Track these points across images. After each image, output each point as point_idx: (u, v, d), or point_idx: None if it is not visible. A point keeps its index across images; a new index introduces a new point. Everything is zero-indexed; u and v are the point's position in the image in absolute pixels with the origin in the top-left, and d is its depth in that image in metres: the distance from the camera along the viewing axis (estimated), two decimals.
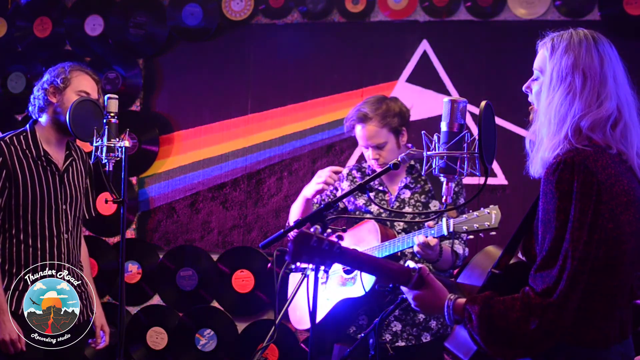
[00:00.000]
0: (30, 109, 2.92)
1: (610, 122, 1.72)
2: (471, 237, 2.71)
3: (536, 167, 1.78)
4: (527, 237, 1.83)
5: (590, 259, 1.64)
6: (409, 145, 3.04)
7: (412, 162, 3.02)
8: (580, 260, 1.63)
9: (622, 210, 1.68)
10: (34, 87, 2.94)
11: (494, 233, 2.57)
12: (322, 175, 2.88)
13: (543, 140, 1.76)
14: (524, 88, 1.88)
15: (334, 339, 3.08)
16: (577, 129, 1.71)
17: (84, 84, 2.90)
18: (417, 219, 2.92)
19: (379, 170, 2.98)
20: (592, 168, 1.65)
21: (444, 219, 2.64)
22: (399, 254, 2.81)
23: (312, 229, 1.72)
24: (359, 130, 2.96)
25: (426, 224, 2.73)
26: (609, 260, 1.68)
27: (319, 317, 2.96)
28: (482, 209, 2.59)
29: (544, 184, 1.69)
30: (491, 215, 2.56)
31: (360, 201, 3.03)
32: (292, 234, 2.25)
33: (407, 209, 2.93)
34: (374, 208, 2.99)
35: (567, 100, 1.73)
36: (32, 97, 2.92)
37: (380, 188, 3.02)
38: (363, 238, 2.92)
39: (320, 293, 2.95)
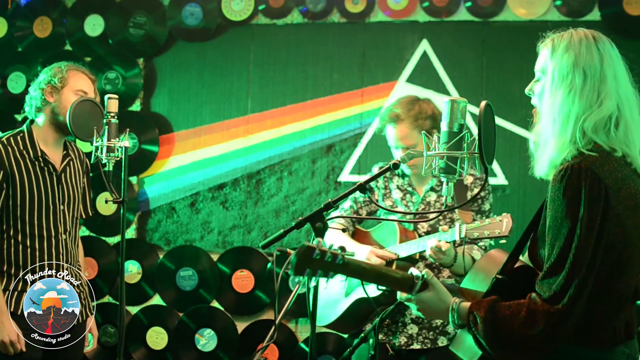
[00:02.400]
0: (26, 109, 2.90)
1: (612, 122, 1.72)
2: (482, 244, 2.71)
3: (542, 167, 1.78)
4: (532, 243, 1.83)
5: (597, 264, 1.65)
6: None
7: None
8: (588, 266, 1.63)
9: (629, 214, 1.68)
10: (30, 87, 2.93)
11: (504, 241, 2.57)
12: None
13: (548, 140, 1.75)
14: (526, 90, 1.87)
15: (353, 336, 3.10)
16: (582, 131, 1.71)
17: (81, 83, 2.89)
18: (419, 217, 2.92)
19: (408, 172, 2.98)
20: (600, 173, 1.65)
21: (457, 224, 2.64)
22: (417, 256, 2.81)
23: (314, 242, 1.71)
24: (389, 131, 2.94)
25: (440, 228, 2.73)
26: (615, 264, 1.68)
27: (337, 314, 2.97)
28: (495, 216, 2.59)
29: (552, 191, 1.69)
30: (502, 223, 2.55)
31: (388, 202, 3.02)
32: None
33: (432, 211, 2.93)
34: (400, 209, 2.98)
35: (569, 98, 1.73)
36: (28, 97, 2.90)
37: (409, 189, 3.00)
38: (383, 238, 2.92)
39: (339, 288, 2.96)
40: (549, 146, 1.75)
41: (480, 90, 3.94)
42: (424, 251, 2.73)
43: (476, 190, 2.92)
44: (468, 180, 2.93)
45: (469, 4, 3.99)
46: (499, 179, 3.91)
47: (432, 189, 2.97)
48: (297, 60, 4.20)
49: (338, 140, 4.11)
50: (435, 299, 1.83)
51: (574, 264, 1.63)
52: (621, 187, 1.67)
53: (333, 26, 4.18)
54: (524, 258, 1.90)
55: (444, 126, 1.79)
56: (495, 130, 1.82)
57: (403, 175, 3.03)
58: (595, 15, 3.85)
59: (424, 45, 4.05)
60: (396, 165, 2.04)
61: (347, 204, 3.12)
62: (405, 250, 2.80)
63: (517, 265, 1.85)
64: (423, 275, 1.82)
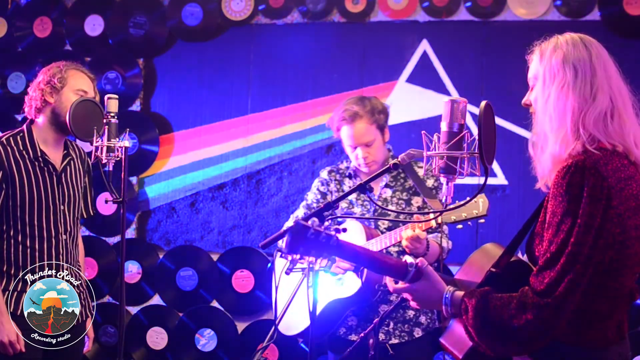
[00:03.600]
0: (26, 110, 2.89)
1: (608, 115, 1.73)
2: (459, 226, 2.70)
3: (545, 164, 1.78)
4: (530, 238, 1.83)
5: (593, 262, 1.65)
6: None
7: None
8: (584, 264, 1.64)
9: (630, 215, 1.68)
10: (29, 87, 2.92)
11: (482, 221, 2.58)
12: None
13: (548, 136, 1.76)
14: (523, 103, 1.89)
15: (325, 342, 3.07)
16: (583, 126, 1.72)
17: (81, 82, 2.88)
18: (402, 218, 2.94)
19: (366, 170, 2.99)
20: (603, 172, 1.65)
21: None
22: (384, 252, 2.82)
23: (309, 221, 1.69)
24: (347, 130, 2.95)
25: (414, 217, 2.75)
26: (612, 264, 1.69)
27: (309, 320, 2.94)
28: (467, 198, 2.59)
29: (554, 187, 1.69)
30: (478, 203, 2.56)
31: (343, 204, 3.03)
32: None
33: (390, 208, 2.94)
34: (356, 210, 3.00)
35: (562, 93, 1.75)
36: (27, 97, 2.89)
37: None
38: (350, 238, 2.93)
39: (306, 297, 2.94)
40: (549, 142, 1.75)
41: (480, 90, 3.94)
42: (394, 245, 2.75)
43: (429, 182, 2.93)
44: (419, 171, 2.95)
45: (469, 4, 3.99)
46: (499, 179, 3.91)
47: (386, 186, 3.00)
48: (297, 60, 4.20)
49: (338, 140, 4.09)
50: (429, 287, 1.83)
51: (569, 260, 1.63)
52: (624, 187, 1.67)
53: (333, 26, 4.18)
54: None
55: (444, 126, 1.79)
56: (495, 130, 1.82)
57: (355, 176, 3.07)
58: (595, 15, 3.85)
59: (424, 45, 4.05)
60: (396, 166, 2.05)
61: (300, 211, 3.15)
62: (379, 245, 2.81)
63: (512, 259, 1.85)
64: (417, 263, 1.82)
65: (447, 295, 1.80)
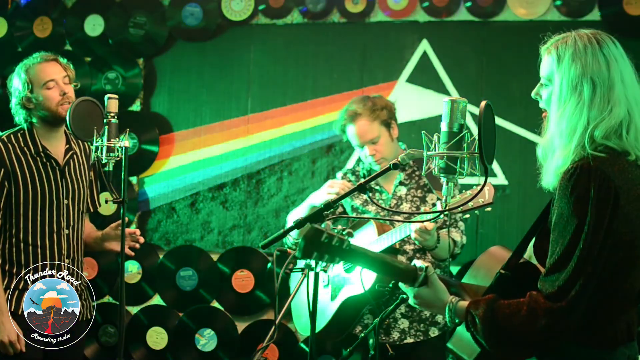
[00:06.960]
0: (17, 120, 2.89)
1: (624, 127, 1.71)
2: (467, 216, 2.71)
3: (549, 177, 1.77)
4: (538, 240, 1.83)
5: (602, 263, 1.64)
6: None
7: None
8: (594, 265, 1.63)
9: (638, 215, 1.68)
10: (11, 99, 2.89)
11: (489, 209, 2.58)
12: (335, 185, 2.90)
13: (555, 151, 1.75)
14: (533, 94, 1.87)
15: (343, 341, 3.07)
16: (590, 137, 1.70)
17: (43, 74, 2.84)
18: (413, 216, 2.94)
19: (376, 168, 3.01)
20: (609, 173, 1.65)
21: (438, 203, 2.69)
22: (397, 246, 2.83)
23: (323, 225, 1.70)
24: (351, 130, 3.02)
25: (422, 209, 2.78)
26: (621, 264, 1.68)
27: (326, 319, 2.94)
28: (474, 187, 2.59)
29: (560, 189, 1.68)
30: (484, 191, 2.56)
31: (357, 202, 3.04)
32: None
33: (405, 205, 2.96)
34: (371, 208, 3.00)
35: (577, 110, 1.72)
36: (13, 111, 2.88)
37: (377, 187, 3.04)
38: (363, 233, 2.93)
39: (323, 296, 2.95)
40: (555, 156, 1.74)
41: (480, 90, 3.94)
42: (409, 236, 2.76)
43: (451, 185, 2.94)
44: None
45: (469, 4, 3.99)
46: (499, 179, 3.91)
47: (400, 183, 3.02)
48: (297, 60, 4.20)
49: (338, 140, 4.10)
50: (432, 296, 1.83)
51: (579, 262, 1.63)
52: (631, 187, 1.67)
53: (333, 26, 4.18)
54: (526, 255, 1.90)
55: (444, 126, 1.79)
56: (495, 130, 1.82)
57: (368, 175, 3.08)
58: (595, 15, 3.85)
59: (424, 45, 4.05)
60: (396, 165, 2.05)
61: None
62: (389, 239, 2.82)
63: (520, 261, 1.85)
64: (426, 268, 1.82)
65: (450, 307, 1.80)
